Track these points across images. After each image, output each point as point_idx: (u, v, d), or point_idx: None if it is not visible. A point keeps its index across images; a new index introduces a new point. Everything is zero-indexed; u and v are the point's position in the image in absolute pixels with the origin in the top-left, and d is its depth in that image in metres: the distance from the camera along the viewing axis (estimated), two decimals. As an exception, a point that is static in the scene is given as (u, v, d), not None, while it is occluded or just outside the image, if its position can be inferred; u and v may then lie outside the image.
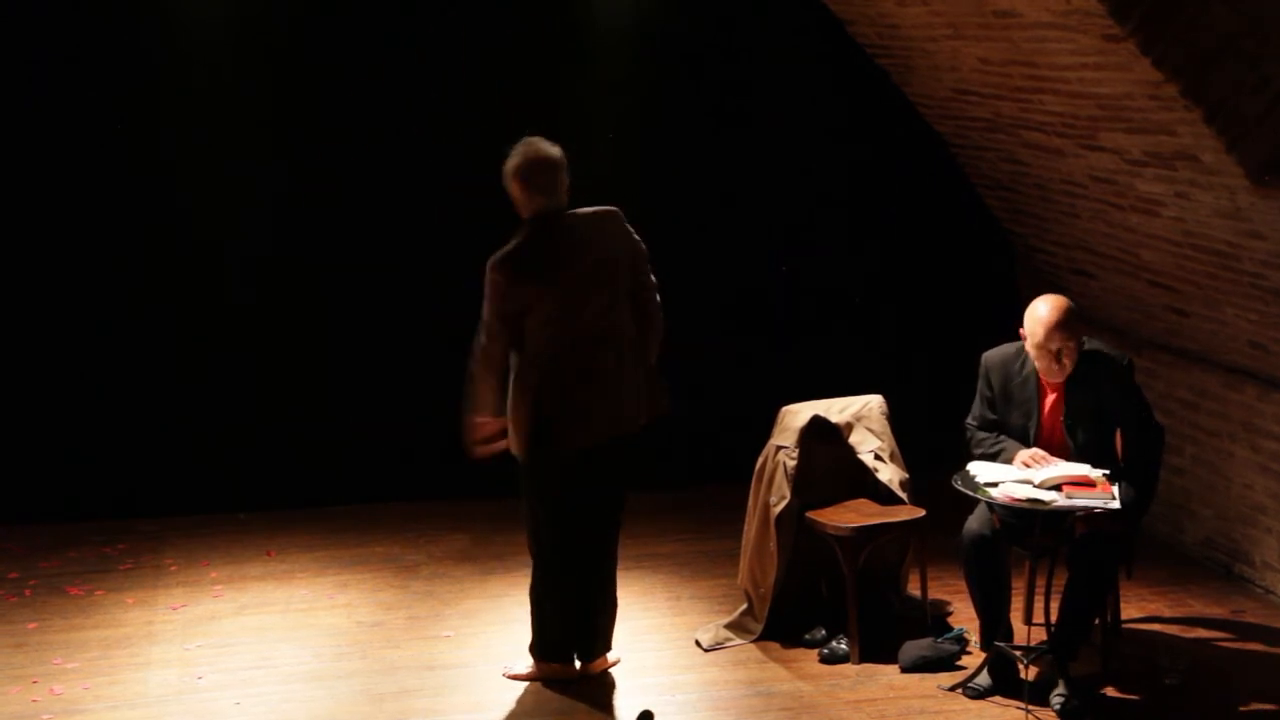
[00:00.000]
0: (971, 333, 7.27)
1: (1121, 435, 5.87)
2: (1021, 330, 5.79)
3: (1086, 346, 5.78)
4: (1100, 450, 5.77)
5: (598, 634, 6.00)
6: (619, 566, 6.03)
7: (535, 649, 5.99)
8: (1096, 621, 5.93)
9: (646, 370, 5.92)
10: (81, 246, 7.78)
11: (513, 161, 5.72)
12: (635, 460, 5.97)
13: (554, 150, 5.72)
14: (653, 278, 5.94)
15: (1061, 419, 5.82)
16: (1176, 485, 7.26)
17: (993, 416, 5.97)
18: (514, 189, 5.73)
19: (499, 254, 5.66)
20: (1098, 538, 5.72)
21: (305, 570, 7.23)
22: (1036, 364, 5.78)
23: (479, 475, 6.26)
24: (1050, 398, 5.85)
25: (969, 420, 6.05)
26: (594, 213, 5.79)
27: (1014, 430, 5.91)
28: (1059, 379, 5.78)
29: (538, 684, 5.97)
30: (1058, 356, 5.70)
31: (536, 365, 5.69)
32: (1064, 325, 5.66)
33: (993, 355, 6.00)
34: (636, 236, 5.87)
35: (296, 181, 7.90)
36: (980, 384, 6.01)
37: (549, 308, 5.65)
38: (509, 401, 5.73)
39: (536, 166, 5.68)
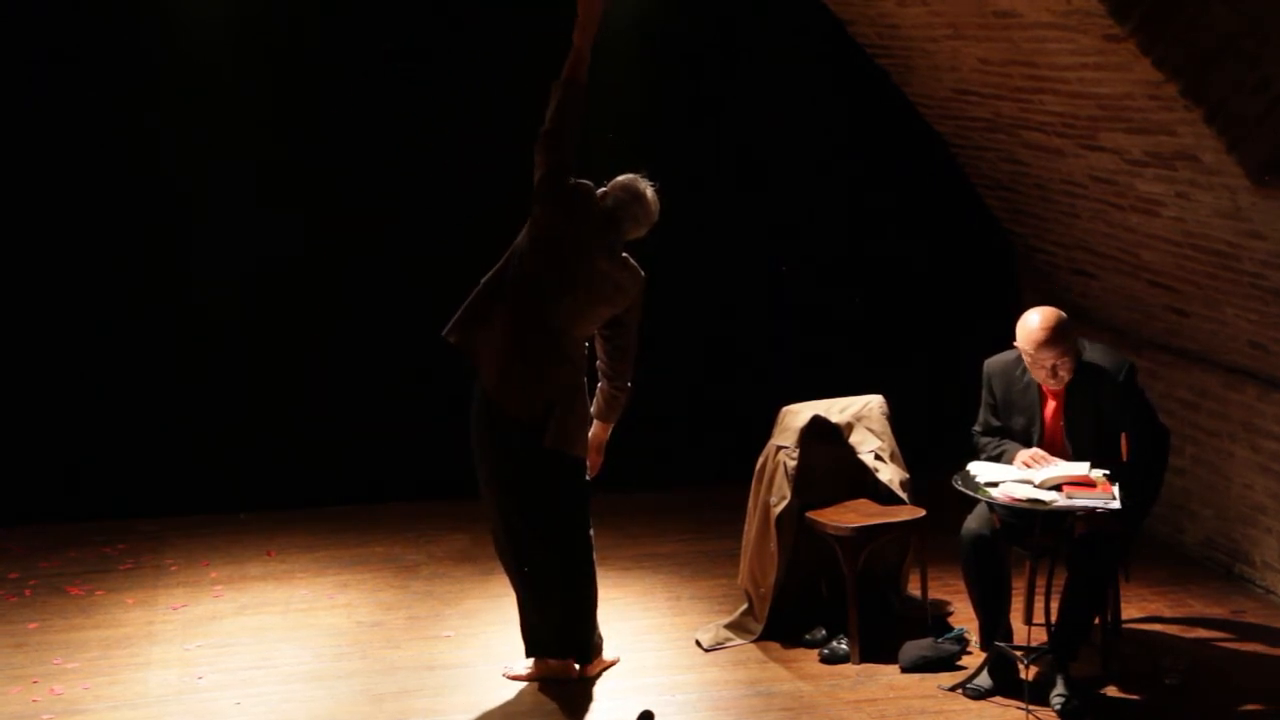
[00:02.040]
0: (972, 333, 7.29)
1: (1125, 439, 5.86)
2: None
3: (1086, 356, 5.78)
4: (1102, 453, 5.77)
5: (558, 636, 5.95)
6: (620, 567, 6.02)
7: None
8: (1097, 621, 5.93)
9: (581, 407, 5.82)
10: (81, 246, 7.78)
11: (629, 177, 5.90)
12: (556, 478, 5.83)
13: (655, 206, 5.88)
14: (636, 330, 5.92)
15: (1062, 424, 5.82)
16: (1177, 485, 7.25)
17: (996, 423, 5.98)
18: (613, 190, 5.86)
19: (586, 182, 5.81)
20: (1097, 538, 5.72)
21: (305, 570, 7.23)
22: (1033, 375, 5.78)
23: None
24: (1051, 402, 5.85)
25: (975, 427, 6.06)
26: (628, 259, 5.86)
27: (1016, 435, 5.92)
28: (1057, 388, 5.78)
29: (537, 684, 5.97)
30: (1053, 371, 5.70)
31: (505, 290, 5.71)
32: (1054, 341, 5.64)
33: (994, 362, 6.00)
34: (639, 305, 5.89)
35: (296, 181, 7.90)
36: (983, 391, 6.01)
37: (548, 253, 5.68)
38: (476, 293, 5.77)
39: (641, 195, 5.85)
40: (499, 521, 5.89)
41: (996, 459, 5.89)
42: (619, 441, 6.11)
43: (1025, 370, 5.84)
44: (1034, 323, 5.68)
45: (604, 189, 5.87)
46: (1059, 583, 5.87)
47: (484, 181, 7.88)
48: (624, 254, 5.84)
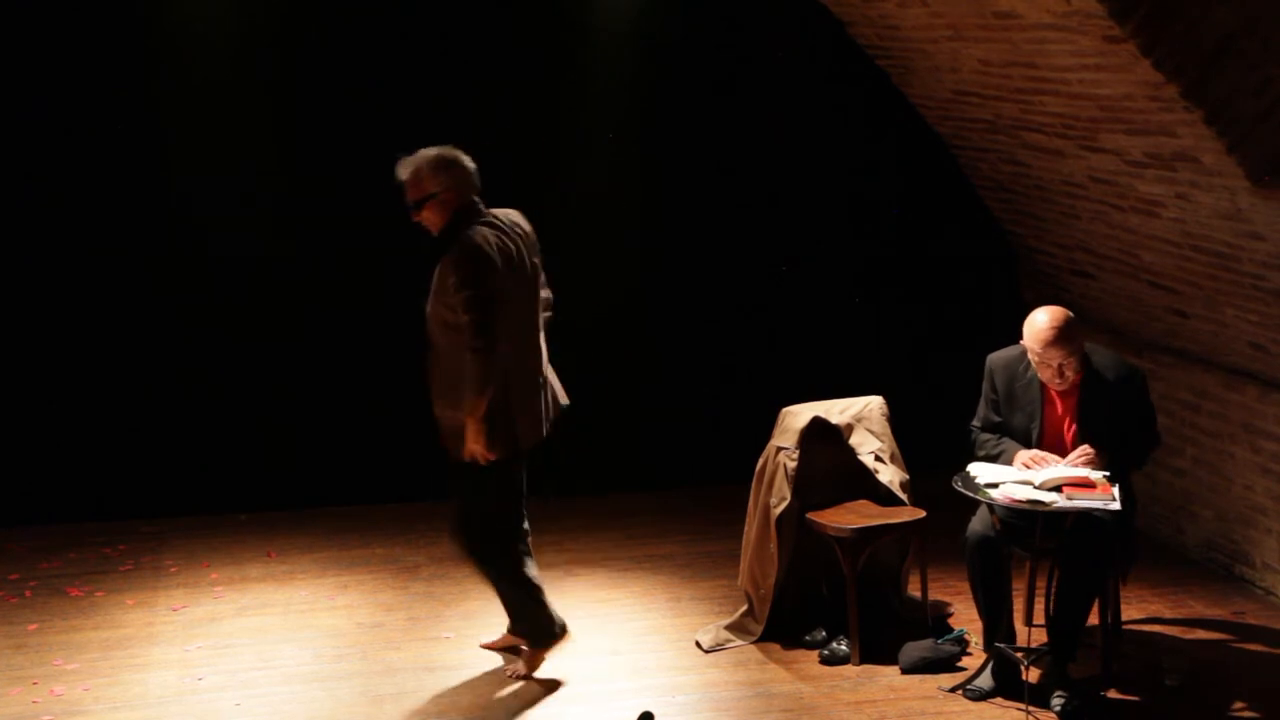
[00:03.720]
0: (972, 334, 7.27)
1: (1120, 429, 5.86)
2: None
3: (1097, 361, 5.77)
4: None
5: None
6: (620, 568, 6.03)
7: (533, 641, 6.02)
8: (1096, 621, 5.92)
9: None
10: (82, 247, 7.77)
11: (432, 153, 5.71)
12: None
13: (461, 158, 5.77)
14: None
15: (1061, 415, 5.81)
16: (1177, 487, 7.25)
17: (996, 419, 5.96)
18: (442, 180, 5.70)
19: (472, 239, 5.64)
20: (1087, 529, 5.69)
21: (305, 571, 7.23)
22: (1039, 374, 5.78)
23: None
24: (1055, 401, 5.85)
25: (973, 422, 6.05)
26: (513, 213, 5.86)
27: (1017, 432, 5.90)
28: (1063, 388, 5.78)
29: (536, 684, 5.96)
30: (1059, 370, 5.71)
31: (502, 362, 5.71)
32: (1062, 340, 5.65)
33: (997, 357, 5.99)
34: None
35: (297, 183, 7.89)
36: (985, 386, 6.00)
37: (508, 301, 5.70)
38: (474, 402, 5.71)
39: (457, 160, 5.74)
40: (518, 520, 5.93)
41: (995, 458, 5.88)
42: (619, 441, 6.11)
43: (1029, 367, 5.84)
44: (1042, 321, 5.69)
45: (438, 182, 5.71)
46: (1059, 584, 5.88)
47: (486, 183, 7.86)
48: (507, 211, 5.82)
